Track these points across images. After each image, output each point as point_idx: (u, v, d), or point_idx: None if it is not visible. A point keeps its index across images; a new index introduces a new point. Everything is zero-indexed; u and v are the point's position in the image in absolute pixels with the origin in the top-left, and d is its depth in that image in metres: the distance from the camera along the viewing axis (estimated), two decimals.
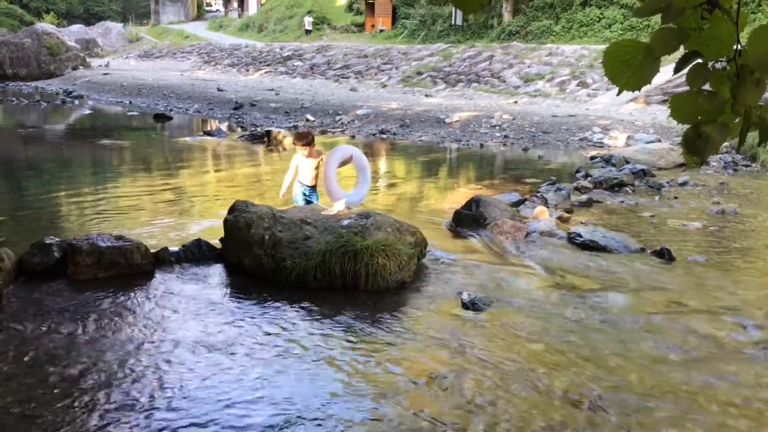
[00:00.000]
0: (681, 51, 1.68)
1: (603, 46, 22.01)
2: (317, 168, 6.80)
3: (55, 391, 3.39)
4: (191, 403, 3.32)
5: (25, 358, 3.74)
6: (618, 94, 1.67)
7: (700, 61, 1.59)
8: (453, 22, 31.46)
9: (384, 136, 15.02)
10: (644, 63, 1.61)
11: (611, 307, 4.80)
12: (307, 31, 39.24)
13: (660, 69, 1.65)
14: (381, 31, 36.29)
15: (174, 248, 5.61)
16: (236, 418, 3.20)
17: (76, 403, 3.27)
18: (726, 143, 11.41)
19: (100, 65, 33.54)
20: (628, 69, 1.62)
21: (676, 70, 1.62)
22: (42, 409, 3.22)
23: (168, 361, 3.75)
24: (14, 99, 22.65)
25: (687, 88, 1.65)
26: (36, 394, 3.36)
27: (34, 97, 23.63)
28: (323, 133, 15.44)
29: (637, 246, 6.21)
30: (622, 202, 8.37)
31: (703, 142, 1.61)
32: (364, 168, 6.72)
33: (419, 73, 24.57)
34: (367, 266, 4.94)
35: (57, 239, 5.25)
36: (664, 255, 5.96)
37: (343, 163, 6.70)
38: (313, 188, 6.88)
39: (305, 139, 6.74)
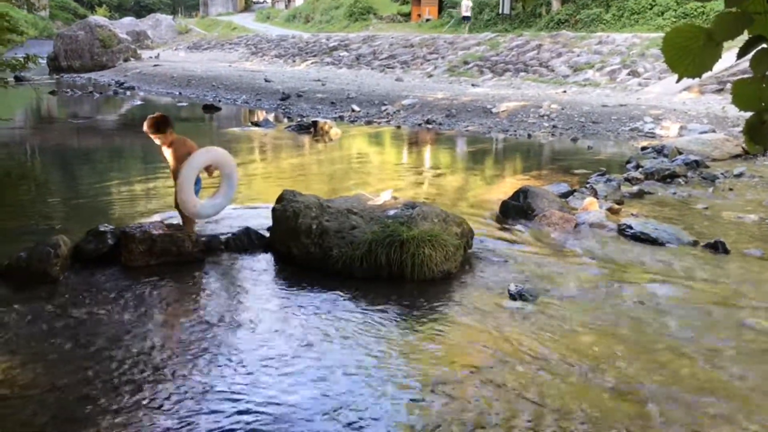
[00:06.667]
0: (740, 39, 1.62)
1: (655, 35, 21.53)
2: (176, 160, 5.64)
3: (112, 373, 3.50)
4: (240, 386, 3.38)
5: (82, 341, 3.87)
6: (677, 81, 1.63)
7: (765, 46, 1.54)
8: (500, 11, 31.08)
9: (430, 126, 14.95)
10: (705, 49, 1.56)
11: (662, 300, 4.71)
12: (465, 18, 31.76)
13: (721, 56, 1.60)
14: (427, 20, 36.10)
15: (223, 237, 5.72)
16: (283, 402, 3.24)
17: (130, 385, 3.37)
18: None
19: (151, 57, 34.19)
20: (688, 55, 1.57)
21: (740, 56, 1.57)
22: (99, 390, 3.32)
23: (217, 346, 3.83)
24: (68, 90, 23.28)
25: (743, 76, 1.60)
26: (93, 375, 3.47)
27: (88, 88, 24.24)
28: (369, 123, 15.45)
29: (689, 238, 6.06)
30: (675, 193, 8.17)
31: (766, 130, 1.56)
32: (231, 176, 5.74)
33: (466, 63, 24.33)
34: (413, 256, 4.94)
35: (111, 227, 5.41)
36: (718, 248, 5.81)
37: (210, 168, 5.73)
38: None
39: (153, 125, 5.52)
